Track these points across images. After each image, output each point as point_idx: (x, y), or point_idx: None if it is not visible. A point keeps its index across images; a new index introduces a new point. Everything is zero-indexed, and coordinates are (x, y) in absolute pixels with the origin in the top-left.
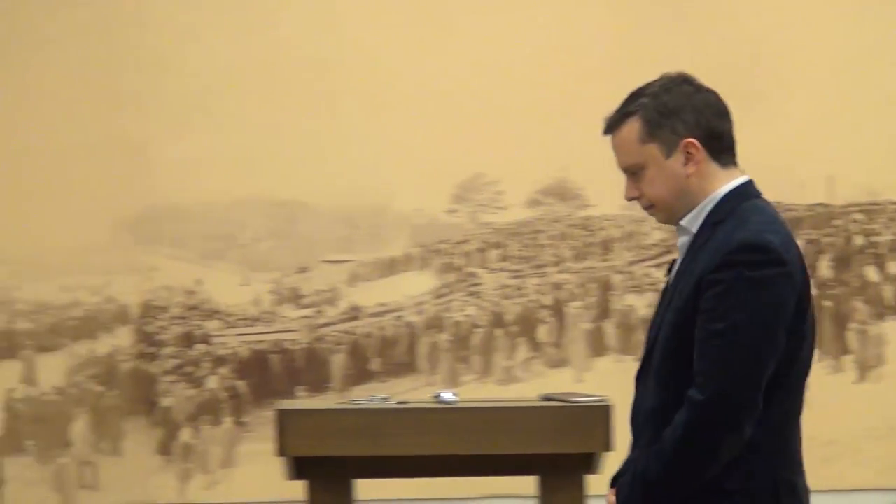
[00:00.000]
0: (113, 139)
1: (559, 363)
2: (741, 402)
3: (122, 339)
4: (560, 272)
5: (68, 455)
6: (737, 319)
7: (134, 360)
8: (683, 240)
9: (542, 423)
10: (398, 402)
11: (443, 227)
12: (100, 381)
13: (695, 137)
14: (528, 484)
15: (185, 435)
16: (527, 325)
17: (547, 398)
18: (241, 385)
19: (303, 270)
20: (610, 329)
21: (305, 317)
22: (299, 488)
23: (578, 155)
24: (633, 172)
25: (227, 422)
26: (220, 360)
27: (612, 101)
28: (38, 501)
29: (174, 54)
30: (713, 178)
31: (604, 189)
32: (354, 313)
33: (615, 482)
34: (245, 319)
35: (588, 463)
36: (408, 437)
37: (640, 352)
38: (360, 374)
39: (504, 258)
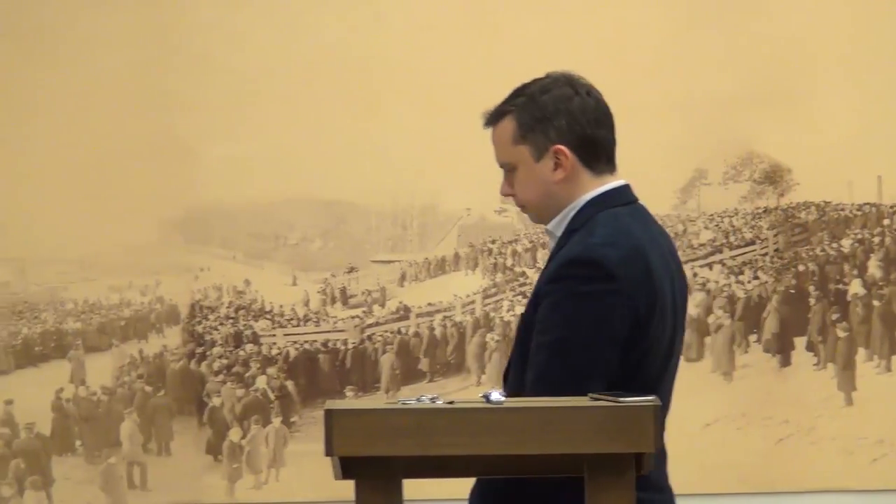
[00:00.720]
0: (161, 140)
1: None
2: None
3: (171, 339)
4: None
5: (117, 455)
6: (560, 333)
7: (183, 360)
8: (551, 244)
9: (590, 422)
10: (447, 402)
11: (492, 226)
12: (149, 381)
13: (565, 144)
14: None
15: (234, 435)
16: None
17: (596, 397)
18: (290, 385)
19: (352, 270)
20: None
21: (354, 317)
22: (348, 488)
23: (627, 154)
24: (509, 170)
25: (276, 422)
26: (268, 360)
27: (659, 100)
28: (86, 501)
29: (222, 55)
30: (581, 186)
31: (653, 188)
32: (403, 313)
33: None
34: (294, 319)
35: (637, 462)
36: (456, 437)
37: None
38: (408, 373)
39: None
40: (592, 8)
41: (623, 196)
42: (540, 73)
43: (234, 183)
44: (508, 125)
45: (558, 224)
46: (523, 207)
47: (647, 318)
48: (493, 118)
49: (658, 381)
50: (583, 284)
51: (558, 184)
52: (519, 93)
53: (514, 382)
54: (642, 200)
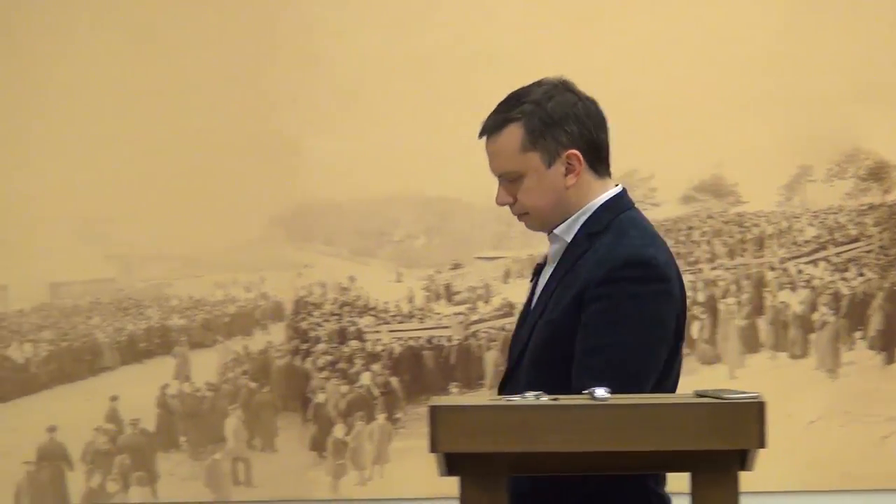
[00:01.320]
0: (266, 136)
1: (712, 360)
2: None
3: (275, 336)
4: (713, 269)
5: (222, 451)
6: (620, 336)
7: (287, 357)
8: (556, 248)
9: (695, 419)
10: (551, 399)
11: None
12: (253, 377)
13: (577, 149)
14: (680, 480)
15: (339, 431)
16: None
17: (700, 395)
18: (394, 381)
19: (456, 267)
20: (763, 326)
21: (458, 313)
22: (452, 485)
23: (733, 151)
24: (510, 179)
25: (380, 418)
26: (373, 357)
27: (768, 97)
28: (191, 497)
29: (327, 51)
30: (589, 190)
31: (758, 185)
32: (507, 310)
33: None
34: (398, 316)
35: (741, 459)
36: (561, 434)
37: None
38: None
39: None
40: (699, 4)
41: (629, 200)
42: (649, 71)
43: (339, 179)
44: (516, 132)
45: (568, 227)
46: (525, 215)
47: (683, 319)
48: (496, 126)
49: (677, 380)
50: (638, 285)
51: (569, 189)
52: (520, 100)
53: (541, 384)
54: (749, 197)
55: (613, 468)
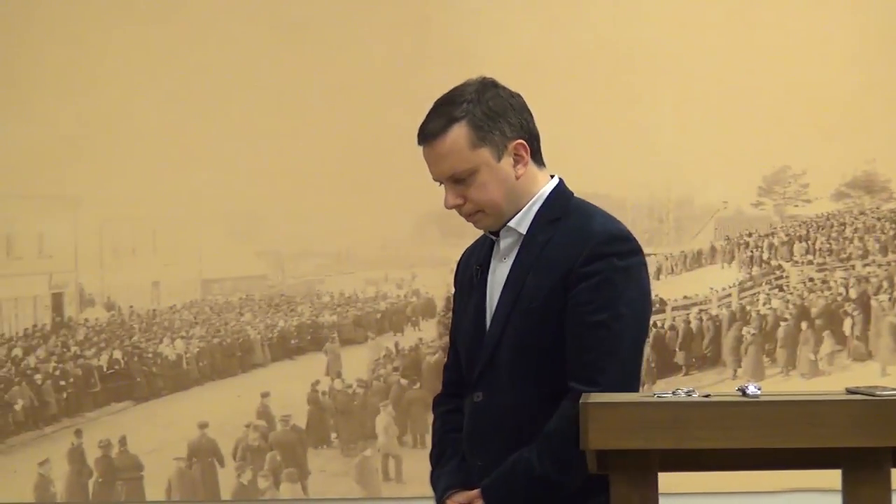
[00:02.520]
0: (416, 133)
1: (864, 356)
2: (629, 392)
3: (426, 332)
4: (866, 265)
5: (372, 447)
6: (618, 309)
7: (438, 353)
8: (509, 241)
9: (847, 416)
10: (703, 396)
11: (748, 219)
12: (404, 373)
13: (521, 139)
14: (831, 478)
15: None
16: (832, 318)
17: (852, 392)
18: None
19: None
20: None
21: None
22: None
23: (886, 146)
24: (459, 180)
25: None
26: None
27: None
28: (341, 493)
29: (482, 48)
30: (535, 179)
31: None
32: (659, 306)
33: (484, 489)
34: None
35: (894, 456)
36: (712, 430)
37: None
38: (664, 367)
39: (809, 251)
40: (851, 2)
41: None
42: (803, 67)
43: None
44: (461, 131)
45: (522, 218)
46: (478, 213)
47: None
48: (440, 130)
49: None
50: (625, 259)
51: (519, 179)
52: (455, 101)
53: (525, 377)
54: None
55: (764, 465)
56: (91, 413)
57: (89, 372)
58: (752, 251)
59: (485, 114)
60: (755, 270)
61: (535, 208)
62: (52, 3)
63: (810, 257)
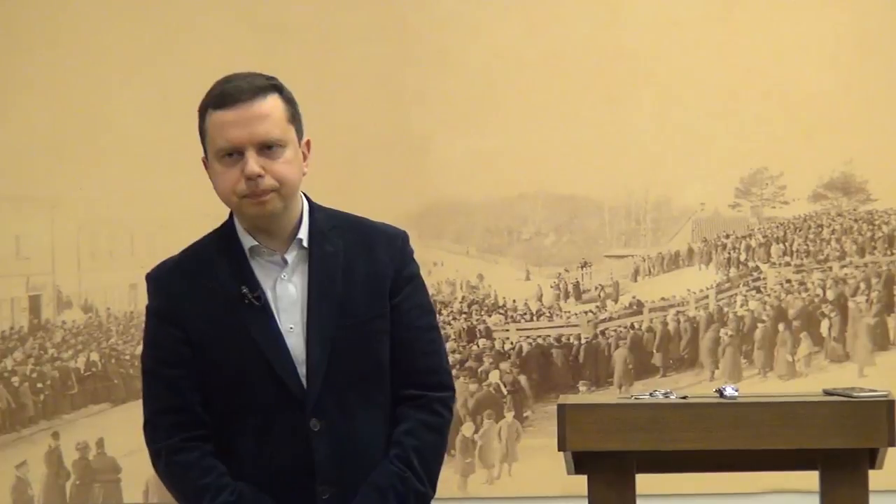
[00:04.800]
0: (397, 134)
1: (842, 358)
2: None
3: None
4: (843, 266)
5: None
6: (434, 310)
7: None
8: (295, 254)
9: (824, 417)
10: (680, 397)
11: (726, 221)
12: None
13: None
14: (809, 479)
15: (467, 430)
16: (809, 319)
17: (829, 393)
18: (523, 380)
19: (585, 265)
20: (893, 324)
21: (587, 311)
22: (581, 483)
23: (863, 148)
24: (267, 148)
25: (509, 416)
26: (501, 355)
27: None
28: None
29: (459, 50)
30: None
31: (888, 182)
32: (636, 308)
33: None
34: (527, 314)
35: (870, 458)
36: (690, 432)
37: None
38: (641, 368)
39: (787, 252)
40: (828, 4)
41: None
42: (780, 69)
43: (469, 177)
44: (279, 103)
45: (303, 230)
46: (271, 192)
47: None
48: (262, 91)
49: None
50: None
51: (303, 176)
52: (263, 76)
53: (369, 389)
54: (879, 194)
55: (742, 466)
56: (68, 415)
57: (67, 374)
58: (729, 253)
59: (290, 99)
60: (732, 272)
61: (308, 219)
62: (32, 5)
63: (788, 259)
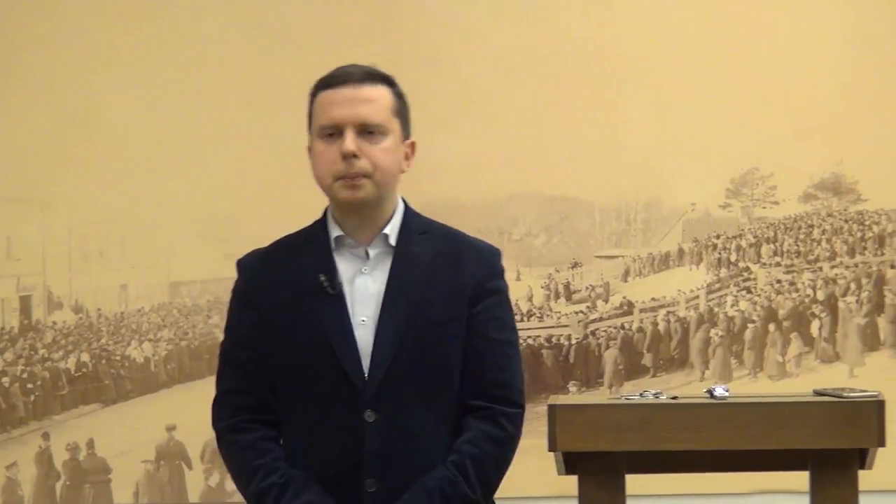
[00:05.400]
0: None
1: (832, 358)
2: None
3: None
4: (833, 267)
5: None
6: (515, 328)
7: None
8: (377, 251)
9: (814, 418)
10: (670, 398)
11: (716, 221)
12: None
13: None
14: (799, 479)
15: None
16: (800, 320)
17: (819, 393)
18: None
19: (575, 265)
20: (884, 324)
21: (578, 312)
22: (571, 483)
23: (854, 149)
24: (368, 132)
25: None
26: None
27: (889, 94)
28: None
29: (451, 50)
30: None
31: (879, 183)
32: (627, 308)
33: None
34: (517, 314)
35: (861, 458)
36: (680, 432)
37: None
38: (632, 369)
39: (777, 253)
40: (821, 4)
41: None
42: (772, 69)
43: (460, 178)
44: (388, 94)
45: (392, 229)
46: (365, 178)
47: None
48: (371, 78)
49: None
50: (504, 279)
51: (402, 174)
52: (379, 72)
53: (433, 396)
54: (869, 195)
55: (732, 467)
56: (59, 416)
57: (57, 375)
58: (719, 253)
59: (401, 97)
60: (723, 272)
61: (400, 219)
62: (25, 6)
63: (778, 259)
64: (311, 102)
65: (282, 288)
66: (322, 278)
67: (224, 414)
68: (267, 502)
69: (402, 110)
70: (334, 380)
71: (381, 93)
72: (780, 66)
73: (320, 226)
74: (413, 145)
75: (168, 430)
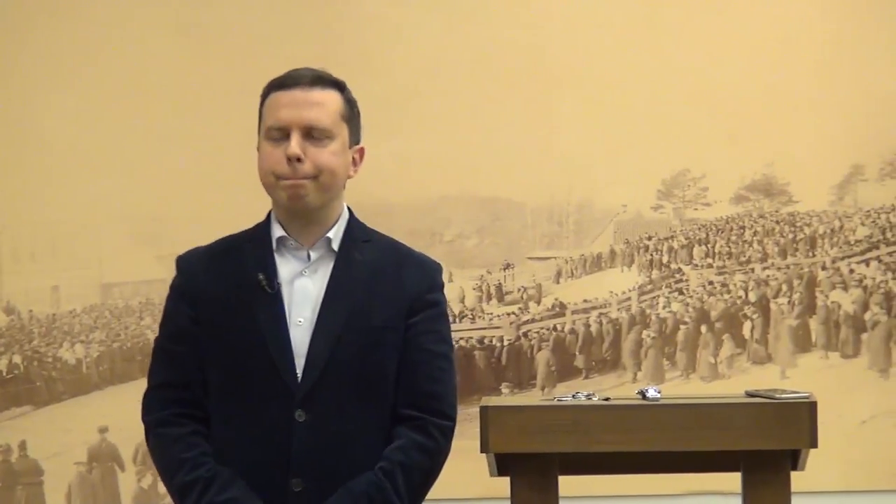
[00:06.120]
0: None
1: (764, 360)
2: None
3: None
4: (765, 268)
5: None
6: (451, 343)
7: None
8: (318, 254)
9: (746, 419)
10: (603, 399)
11: (648, 223)
12: None
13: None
14: (731, 480)
15: None
16: (732, 321)
17: (751, 395)
18: None
19: (507, 267)
20: (815, 325)
21: (510, 313)
22: (504, 485)
23: (784, 150)
24: (314, 136)
25: None
26: None
27: (819, 96)
28: None
29: (383, 50)
30: (343, 195)
31: (810, 185)
32: (559, 310)
33: None
34: (450, 316)
35: (793, 459)
36: (613, 433)
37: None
38: (564, 370)
39: (709, 254)
40: (756, 6)
41: None
42: (703, 72)
43: (391, 179)
44: (337, 98)
45: (336, 234)
46: (311, 179)
47: None
48: (321, 82)
49: None
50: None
51: (348, 179)
52: (330, 76)
53: (362, 400)
54: (800, 196)
55: (665, 468)
56: None
57: None
58: (651, 254)
59: (351, 103)
60: (655, 274)
61: (344, 225)
62: None
63: (710, 261)
64: (262, 103)
65: (220, 285)
66: (261, 277)
67: (154, 407)
68: (192, 496)
69: (350, 116)
70: (267, 378)
71: (330, 97)
72: (711, 67)
73: (263, 226)
74: (361, 151)
75: (100, 431)
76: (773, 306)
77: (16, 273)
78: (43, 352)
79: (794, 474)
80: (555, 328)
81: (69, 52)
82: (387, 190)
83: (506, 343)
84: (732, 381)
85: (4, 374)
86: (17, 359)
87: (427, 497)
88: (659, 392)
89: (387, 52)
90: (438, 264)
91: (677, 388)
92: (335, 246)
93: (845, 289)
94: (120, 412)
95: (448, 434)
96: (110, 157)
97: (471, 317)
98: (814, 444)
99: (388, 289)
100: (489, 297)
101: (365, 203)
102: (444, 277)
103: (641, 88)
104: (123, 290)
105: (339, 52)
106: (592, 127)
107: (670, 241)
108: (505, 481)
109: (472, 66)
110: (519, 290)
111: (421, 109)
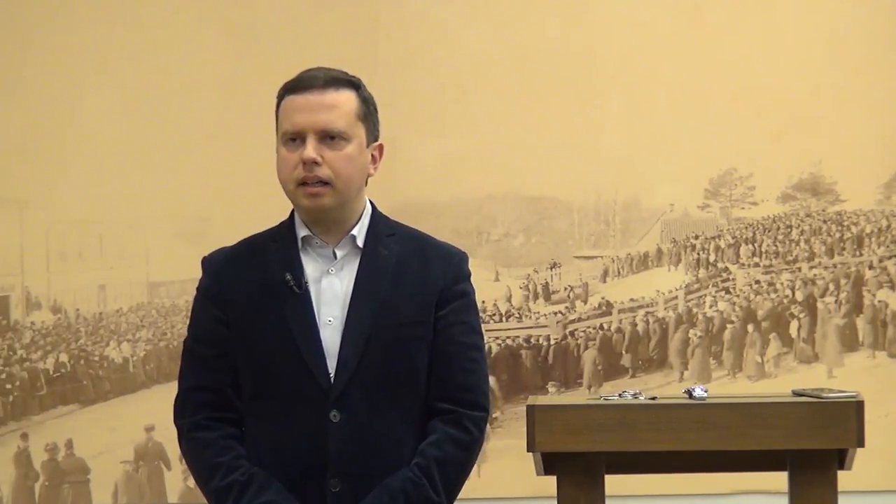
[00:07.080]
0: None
1: (810, 359)
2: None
3: None
4: (812, 267)
5: None
6: (481, 332)
7: None
8: (344, 252)
9: (793, 418)
10: (649, 398)
11: (695, 222)
12: None
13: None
14: (778, 480)
15: None
16: (778, 320)
17: (798, 394)
18: (492, 381)
19: (554, 266)
20: (862, 325)
21: (556, 312)
22: (550, 484)
23: (832, 149)
24: (329, 138)
25: None
26: None
27: (867, 95)
28: None
29: (429, 50)
30: (366, 190)
31: (857, 184)
32: (606, 309)
33: None
34: (496, 315)
35: (840, 459)
36: (659, 433)
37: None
38: (610, 369)
39: (756, 253)
40: (799, 4)
41: None
42: (750, 70)
43: (438, 178)
44: (353, 97)
45: (360, 230)
46: (326, 184)
47: None
48: (335, 83)
49: None
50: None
51: (368, 178)
52: (346, 75)
53: (397, 391)
54: (848, 195)
55: (711, 467)
56: (37, 416)
57: (35, 375)
58: (698, 253)
59: (368, 100)
60: (702, 273)
61: (367, 221)
62: None
63: (756, 260)
64: (277, 106)
65: (247, 286)
66: (288, 277)
67: (186, 411)
68: (228, 500)
69: (367, 114)
70: (299, 379)
71: (344, 98)
72: (759, 66)
73: (287, 226)
74: (381, 148)
75: (147, 430)
76: (819, 305)
77: (63, 272)
78: (90, 350)
79: (840, 474)
80: (601, 327)
81: (116, 52)
82: (433, 189)
83: (552, 342)
84: (779, 380)
85: (51, 372)
86: (63, 357)
87: (475, 496)
88: (706, 391)
89: (433, 51)
90: (464, 253)
91: (724, 387)
92: (360, 243)
93: (892, 288)
94: (166, 411)
95: (482, 425)
96: (157, 156)
97: (517, 316)
98: (861, 444)
99: (415, 282)
100: (536, 297)
101: (411, 202)
102: (491, 276)
103: (688, 87)
104: (170, 288)
105: (386, 51)
106: (639, 126)
107: (717, 240)
108: (552, 480)
109: (519, 65)
110: (566, 289)
111: (467, 108)
